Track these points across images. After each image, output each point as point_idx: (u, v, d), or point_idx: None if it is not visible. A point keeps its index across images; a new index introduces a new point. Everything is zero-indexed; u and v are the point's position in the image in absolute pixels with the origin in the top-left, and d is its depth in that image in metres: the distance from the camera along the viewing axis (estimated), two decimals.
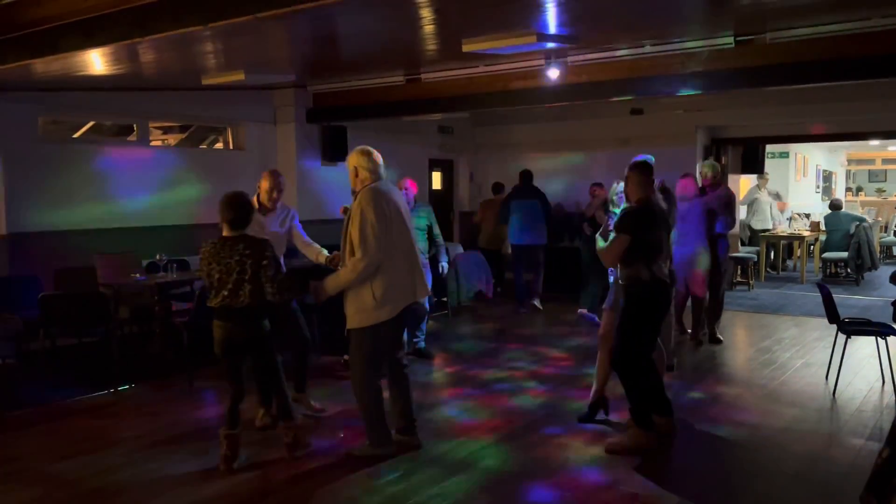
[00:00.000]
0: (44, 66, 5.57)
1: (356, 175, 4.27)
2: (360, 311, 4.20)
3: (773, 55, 6.17)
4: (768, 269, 12.60)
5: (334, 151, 9.64)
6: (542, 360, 6.82)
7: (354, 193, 4.27)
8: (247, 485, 4.05)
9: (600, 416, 5.10)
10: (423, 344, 6.89)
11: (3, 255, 6.94)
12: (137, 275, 6.79)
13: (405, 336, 6.65)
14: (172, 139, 9.92)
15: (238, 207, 4.15)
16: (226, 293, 4.11)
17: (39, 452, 4.56)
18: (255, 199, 4.91)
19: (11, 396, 5.50)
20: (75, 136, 8.58)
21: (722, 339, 7.49)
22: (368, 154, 4.28)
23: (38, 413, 5.33)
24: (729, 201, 7.33)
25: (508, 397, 5.69)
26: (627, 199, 4.70)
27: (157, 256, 6.75)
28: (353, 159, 4.29)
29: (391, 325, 4.26)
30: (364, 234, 4.07)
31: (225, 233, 4.17)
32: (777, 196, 13.47)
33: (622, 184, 4.86)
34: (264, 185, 5.05)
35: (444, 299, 8.80)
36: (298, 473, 4.19)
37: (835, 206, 12.30)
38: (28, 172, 7.22)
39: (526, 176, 9.45)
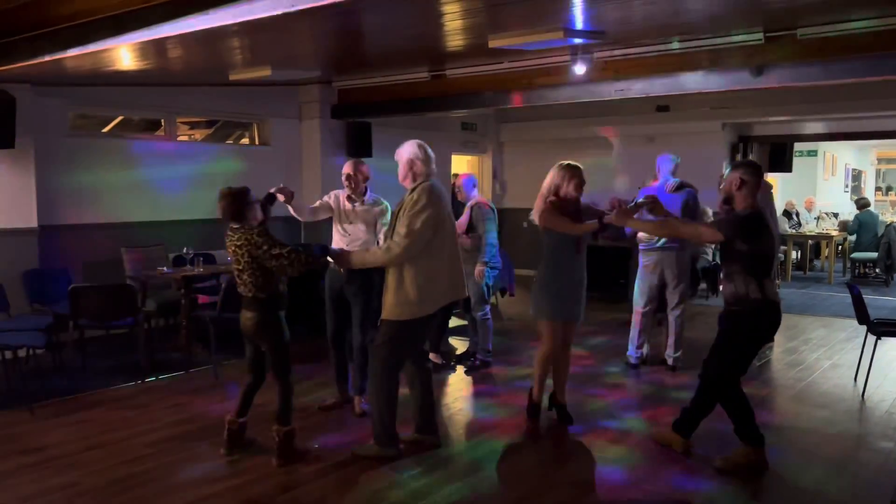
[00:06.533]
0: (74, 61, 5.63)
1: (411, 168, 4.17)
2: (400, 304, 4.12)
3: (803, 51, 6.08)
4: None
5: (359, 147, 9.67)
6: None
7: (412, 185, 4.17)
8: (271, 478, 4.08)
9: (573, 430, 4.84)
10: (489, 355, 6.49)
11: (33, 247, 7.04)
12: (164, 268, 6.88)
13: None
14: (199, 134, 10.00)
15: (228, 201, 4.15)
16: (236, 281, 4.29)
17: (68, 441, 4.62)
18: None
19: (41, 387, 5.59)
20: (104, 130, 8.69)
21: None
22: (425, 148, 4.22)
23: (67, 403, 5.41)
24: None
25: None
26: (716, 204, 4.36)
27: (184, 250, 6.82)
28: (410, 151, 4.19)
29: (425, 322, 4.23)
30: (413, 224, 4.01)
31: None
32: None
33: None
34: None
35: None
36: (322, 467, 4.21)
37: (862, 205, 12.06)
38: (58, 166, 7.32)
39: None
